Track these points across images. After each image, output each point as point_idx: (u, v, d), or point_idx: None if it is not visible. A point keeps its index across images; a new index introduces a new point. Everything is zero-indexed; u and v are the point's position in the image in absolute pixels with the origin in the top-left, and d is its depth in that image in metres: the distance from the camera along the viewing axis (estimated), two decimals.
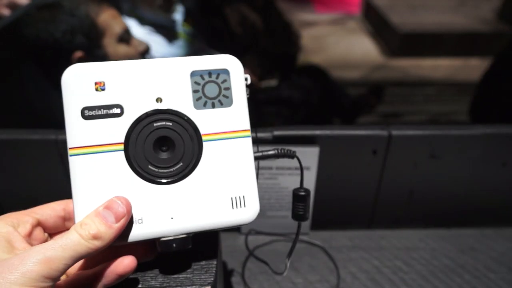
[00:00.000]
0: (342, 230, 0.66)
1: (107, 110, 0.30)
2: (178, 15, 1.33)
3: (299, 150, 0.58)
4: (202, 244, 0.35)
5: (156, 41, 1.20)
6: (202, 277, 0.33)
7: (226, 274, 0.58)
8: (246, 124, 0.33)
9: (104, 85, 0.30)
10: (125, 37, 0.94)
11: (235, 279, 0.58)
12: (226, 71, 0.33)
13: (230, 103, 0.32)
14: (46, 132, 0.55)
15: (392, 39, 2.70)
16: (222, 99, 0.32)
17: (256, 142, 0.35)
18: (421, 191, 0.63)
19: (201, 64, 0.32)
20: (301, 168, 0.37)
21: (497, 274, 0.59)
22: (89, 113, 0.30)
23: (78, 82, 0.30)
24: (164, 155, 0.31)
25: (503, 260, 0.61)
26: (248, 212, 0.32)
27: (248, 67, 1.34)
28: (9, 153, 0.57)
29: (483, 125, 0.59)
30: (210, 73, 0.32)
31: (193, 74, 0.32)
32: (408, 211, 0.65)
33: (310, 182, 0.60)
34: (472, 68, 2.42)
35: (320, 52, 2.69)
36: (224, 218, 0.32)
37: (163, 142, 0.31)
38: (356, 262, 0.60)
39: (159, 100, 0.31)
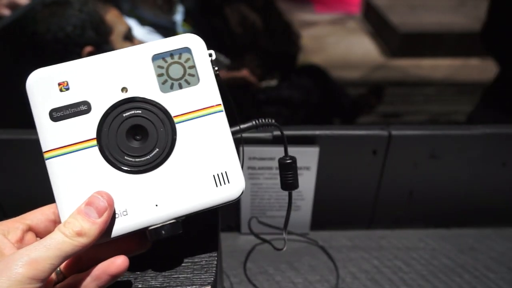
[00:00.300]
0: (342, 230, 0.66)
1: (75, 109, 0.30)
2: (178, 15, 1.33)
3: (299, 150, 0.58)
4: (202, 244, 0.35)
5: None
6: (202, 277, 0.33)
7: (226, 274, 0.58)
8: (217, 99, 0.32)
9: (67, 84, 0.30)
10: (129, 36, 0.96)
11: (235, 279, 0.58)
12: (188, 50, 0.32)
13: (197, 81, 0.32)
14: None
15: (392, 39, 2.70)
16: (188, 78, 0.32)
17: (241, 135, 0.34)
18: (421, 191, 0.63)
19: (161, 47, 0.32)
20: (284, 137, 0.36)
21: (497, 274, 0.59)
22: (57, 114, 0.30)
23: (42, 86, 0.30)
24: (138, 144, 0.31)
25: (503, 260, 0.61)
26: (233, 188, 0.32)
27: (248, 67, 1.34)
28: (9, 153, 0.57)
29: (483, 125, 0.59)
30: (171, 54, 0.32)
31: (154, 58, 0.32)
32: (408, 211, 0.65)
33: (310, 182, 0.60)
34: (472, 68, 2.42)
35: (320, 52, 2.69)
36: (209, 198, 0.31)
37: (136, 131, 0.31)
38: (356, 262, 0.60)
39: (124, 90, 0.31)
